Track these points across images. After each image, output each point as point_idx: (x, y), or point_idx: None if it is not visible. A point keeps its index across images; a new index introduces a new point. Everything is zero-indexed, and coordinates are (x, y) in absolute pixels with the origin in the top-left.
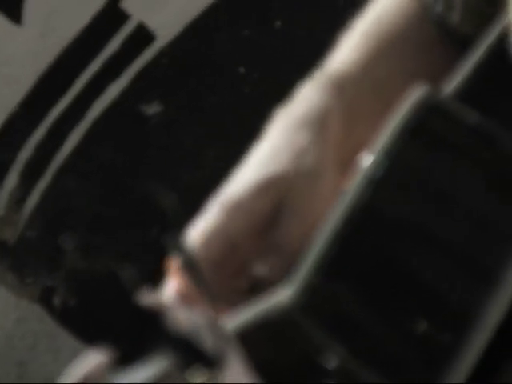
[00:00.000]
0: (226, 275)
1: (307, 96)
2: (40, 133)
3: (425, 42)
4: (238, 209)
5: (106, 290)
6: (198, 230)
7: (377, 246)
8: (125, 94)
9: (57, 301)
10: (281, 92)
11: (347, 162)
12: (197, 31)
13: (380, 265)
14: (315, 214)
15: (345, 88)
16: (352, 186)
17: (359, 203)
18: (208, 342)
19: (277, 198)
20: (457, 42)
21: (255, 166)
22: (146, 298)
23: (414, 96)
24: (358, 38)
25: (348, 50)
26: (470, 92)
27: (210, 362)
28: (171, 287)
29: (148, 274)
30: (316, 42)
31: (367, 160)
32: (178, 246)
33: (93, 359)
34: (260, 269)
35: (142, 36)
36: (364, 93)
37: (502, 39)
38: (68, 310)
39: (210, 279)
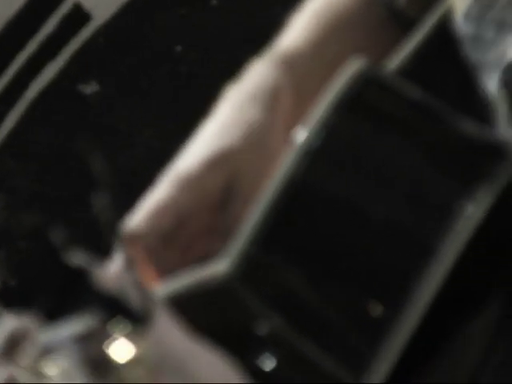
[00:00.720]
0: (174, 249)
1: (258, 72)
2: None
3: (373, 23)
4: (188, 184)
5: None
6: (149, 203)
7: (312, 219)
8: (62, 74)
9: None
10: (218, 70)
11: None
12: (133, 10)
13: (315, 237)
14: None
15: (295, 65)
16: (287, 158)
17: (294, 175)
18: (133, 300)
19: (227, 175)
20: (404, 24)
21: (206, 142)
22: (75, 257)
23: (350, 69)
24: (308, 17)
25: (299, 28)
26: (412, 69)
27: (134, 317)
28: (118, 257)
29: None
30: (252, 20)
31: (303, 133)
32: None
33: (18, 319)
34: (208, 247)
35: (79, 16)
36: (314, 70)
37: (445, 18)
38: (8, 290)
39: (159, 252)
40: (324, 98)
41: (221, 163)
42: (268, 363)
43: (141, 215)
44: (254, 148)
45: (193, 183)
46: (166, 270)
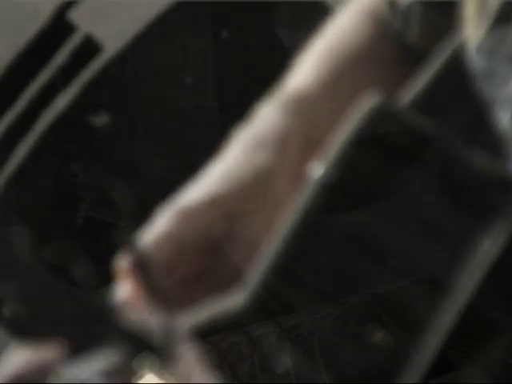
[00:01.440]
0: (177, 280)
1: (267, 116)
2: None
3: (384, 58)
4: (189, 218)
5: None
6: (151, 233)
7: (327, 253)
8: (72, 105)
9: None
10: (228, 104)
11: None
12: (144, 42)
13: (329, 270)
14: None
15: (304, 108)
16: (303, 193)
17: (311, 209)
18: (158, 336)
19: (228, 216)
20: (416, 58)
21: (211, 182)
22: (100, 295)
23: (365, 103)
24: (316, 56)
25: (307, 69)
26: (424, 103)
27: (159, 353)
28: (123, 288)
29: (100, 274)
30: (262, 55)
31: (319, 168)
32: (130, 246)
33: (43, 352)
34: (205, 289)
35: (90, 47)
36: (324, 112)
37: (458, 51)
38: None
39: (162, 282)
40: (340, 133)
41: (222, 205)
42: None
43: (142, 245)
44: (259, 192)
45: (192, 218)
46: (167, 302)
